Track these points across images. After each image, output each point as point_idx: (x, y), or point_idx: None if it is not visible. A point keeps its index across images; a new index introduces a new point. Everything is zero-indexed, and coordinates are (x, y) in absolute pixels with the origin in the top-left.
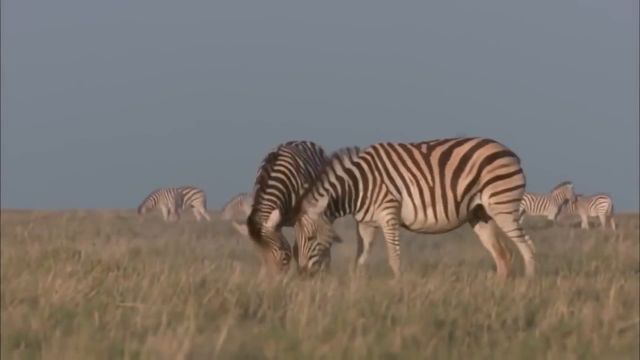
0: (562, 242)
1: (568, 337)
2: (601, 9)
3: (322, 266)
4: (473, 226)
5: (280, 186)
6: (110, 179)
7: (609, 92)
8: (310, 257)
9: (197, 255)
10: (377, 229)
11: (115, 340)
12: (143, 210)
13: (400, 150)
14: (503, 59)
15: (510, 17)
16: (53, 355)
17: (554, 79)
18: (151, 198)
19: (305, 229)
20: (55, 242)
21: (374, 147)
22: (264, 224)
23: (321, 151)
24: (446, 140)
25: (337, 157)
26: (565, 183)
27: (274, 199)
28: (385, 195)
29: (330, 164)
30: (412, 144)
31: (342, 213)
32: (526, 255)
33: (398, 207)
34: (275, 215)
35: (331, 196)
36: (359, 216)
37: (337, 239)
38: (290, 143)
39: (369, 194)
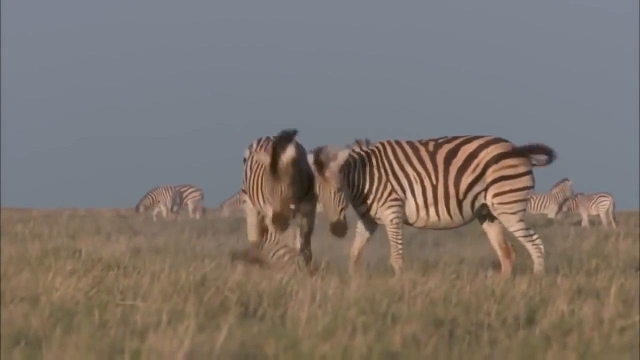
0: (563, 240)
1: (568, 335)
2: (601, 8)
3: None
4: (481, 223)
5: None
6: (111, 177)
7: (609, 90)
8: (341, 210)
9: (198, 254)
10: (381, 226)
11: (115, 338)
12: (141, 208)
13: (406, 147)
14: (502, 58)
15: (510, 16)
16: (53, 353)
17: (552, 77)
18: (149, 196)
19: (332, 182)
20: (55, 241)
21: (382, 144)
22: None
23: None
24: (455, 138)
25: (356, 141)
26: (563, 180)
27: None
28: (390, 193)
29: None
30: (419, 141)
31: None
32: (534, 255)
33: (402, 205)
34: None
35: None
36: (361, 210)
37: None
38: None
39: (373, 190)
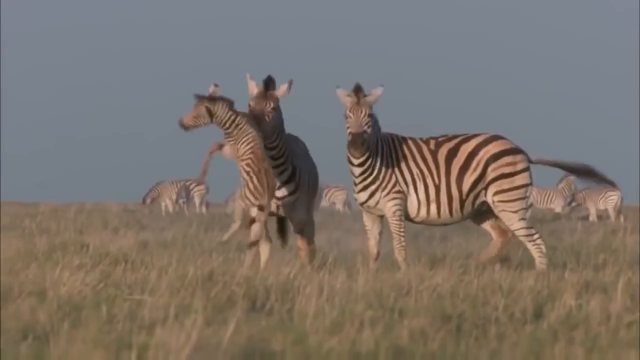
0: (570, 234)
1: (576, 330)
2: (603, 4)
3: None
4: (474, 217)
5: None
6: (118, 172)
7: (612, 85)
8: (366, 127)
9: (205, 248)
10: (384, 219)
11: (122, 332)
12: (148, 200)
13: (411, 144)
14: (506, 55)
15: (512, 12)
16: (61, 347)
17: (556, 73)
18: (154, 189)
19: (367, 105)
20: (63, 235)
21: (390, 136)
22: None
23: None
24: (454, 137)
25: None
26: (567, 175)
27: None
28: (394, 185)
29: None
30: (420, 139)
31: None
32: (535, 254)
33: (404, 198)
34: None
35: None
36: (362, 197)
37: None
38: None
39: (380, 178)
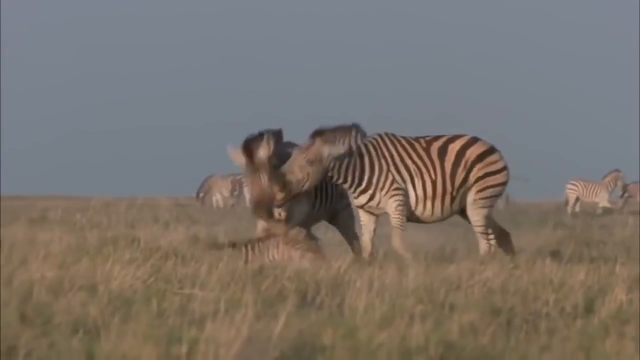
0: (621, 229)
1: (626, 324)
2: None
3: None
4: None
5: None
6: (169, 166)
7: None
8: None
9: None
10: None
11: (173, 327)
12: (201, 195)
13: (404, 142)
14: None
15: (517, 5)
16: (111, 341)
17: (573, 68)
18: (206, 183)
19: (311, 155)
20: (114, 229)
21: (380, 136)
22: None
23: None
24: (440, 136)
25: (353, 125)
26: (615, 170)
27: None
28: (392, 183)
29: (345, 130)
30: (411, 138)
31: (337, 177)
32: (482, 249)
33: (405, 194)
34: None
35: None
36: (362, 200)
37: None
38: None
39: (374, 180)
